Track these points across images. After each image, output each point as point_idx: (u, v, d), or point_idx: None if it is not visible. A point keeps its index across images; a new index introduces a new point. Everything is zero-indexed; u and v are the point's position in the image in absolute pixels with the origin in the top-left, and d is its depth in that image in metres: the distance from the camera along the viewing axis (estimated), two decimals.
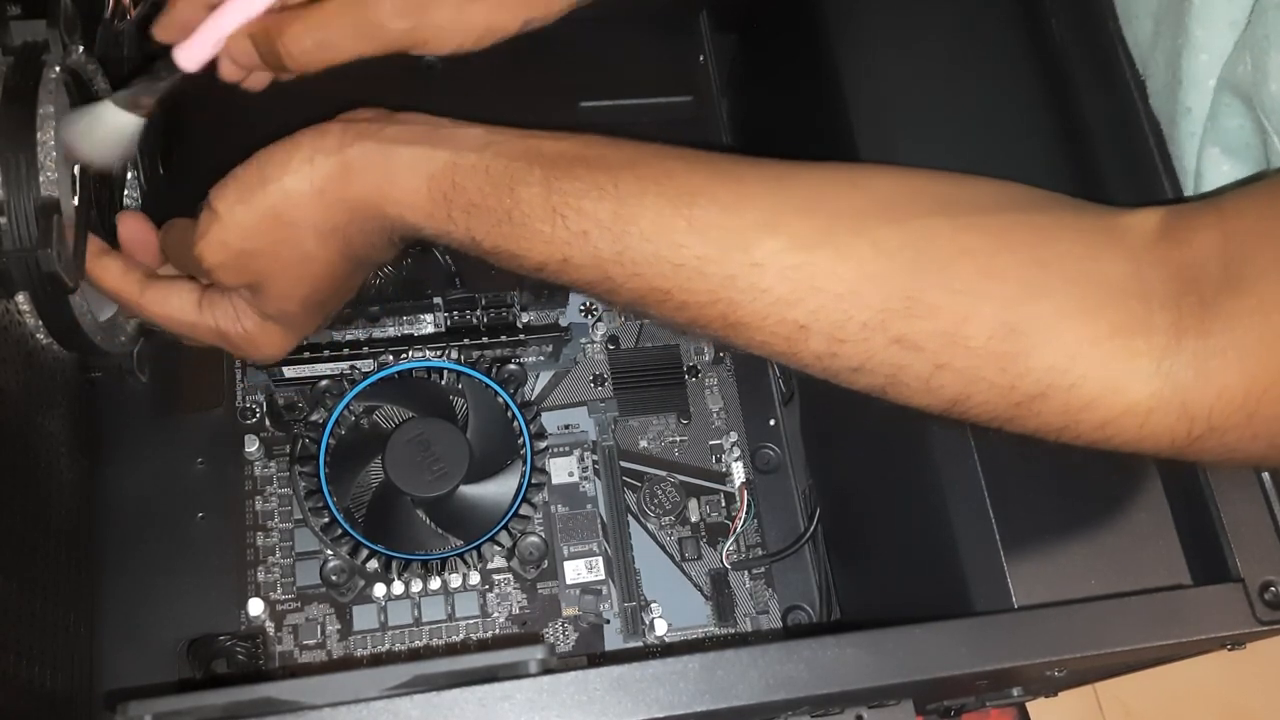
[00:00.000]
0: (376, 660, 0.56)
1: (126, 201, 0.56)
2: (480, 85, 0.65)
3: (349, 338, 0.61)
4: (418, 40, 0.47)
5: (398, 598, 0.57)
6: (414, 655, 0.56)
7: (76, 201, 0.48)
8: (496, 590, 0.58)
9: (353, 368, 0.59)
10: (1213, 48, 0.45)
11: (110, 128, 0.48)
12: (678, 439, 0.62)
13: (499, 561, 0.58)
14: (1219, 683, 1.11)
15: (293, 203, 0.43)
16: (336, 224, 0.43)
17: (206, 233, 0.44)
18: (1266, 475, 0.43)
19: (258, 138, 0.46)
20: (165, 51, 0.48)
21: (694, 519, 0.61)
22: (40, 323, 0.48)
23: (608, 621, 0.58)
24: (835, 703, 0.41)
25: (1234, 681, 1.12)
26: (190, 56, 0.47)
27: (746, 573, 0.60)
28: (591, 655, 0.57)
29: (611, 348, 0.64)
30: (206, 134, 0.60)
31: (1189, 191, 0.47)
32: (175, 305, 0.48)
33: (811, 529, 0.60)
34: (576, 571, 0.58)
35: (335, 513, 0.55)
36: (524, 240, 0.41)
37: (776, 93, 0.63)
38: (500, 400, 0.59)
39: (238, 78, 0.50)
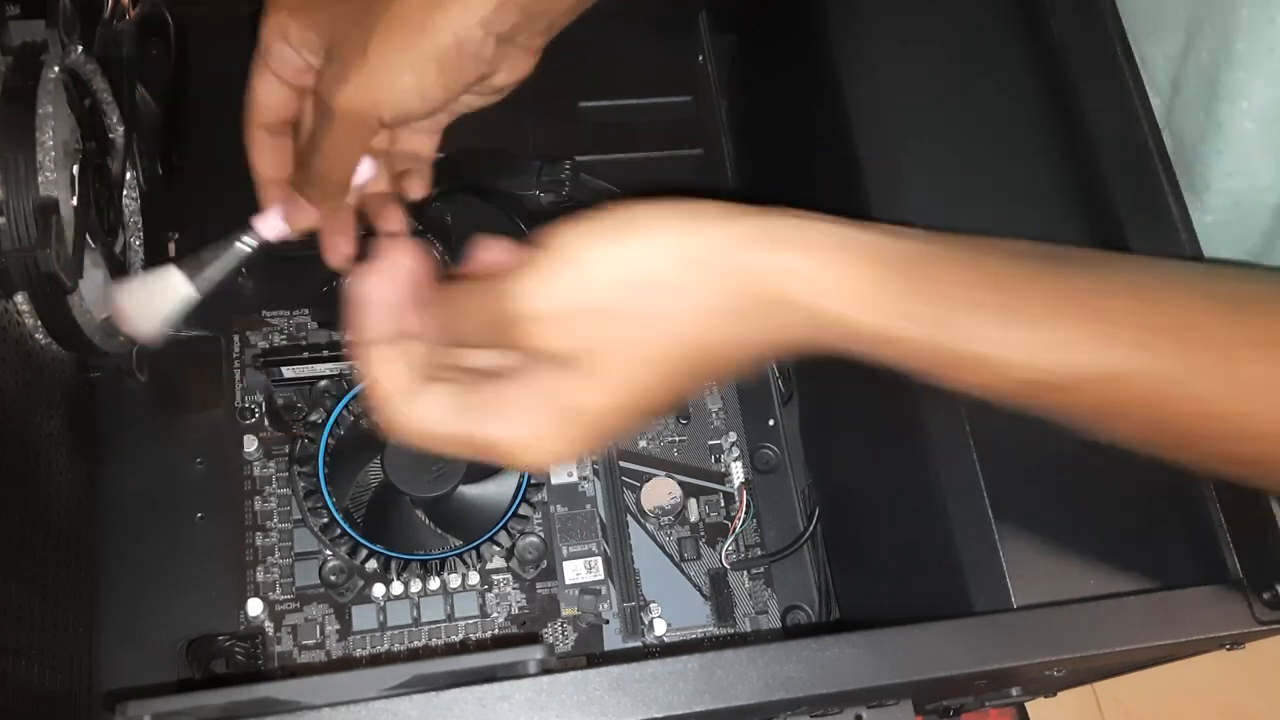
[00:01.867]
0: (375, 660, 0.56)
1: (126, 202, 0.56)
2: None
3: (348, 338, 0.61)
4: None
5: (397, 598, 0.57)
6: (413, 655, 0.56)
7: (75, 201, 0.48)
8: (495, 590, 0.58)
9: (352, 368, 0.59)
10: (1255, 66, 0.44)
11: (172, 297, 0.51)
12: (677, 439, 0.62)
13: (498, 562, 0.58)
14: (1218, 683, 1.12)
15: (674, 265, 0.35)
16: (732, 308, 0.35)
17: (544, 272, 0.35)
18: None
19: None
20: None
21: (693, 519, 0.61)
22: (39, 322, 0.48)
23: (607, 622, 0.58)
24: (834, 703, 0.41)
25: (1233, 681, 1.12)
26: (272, 227, 0.50)
27: (746, 573, 0.60)
28: (591, 655, 0.57)
29: None
30: (206, 135, 0.60)
31: (1215, 213, 0.47)
32: (434, 410, 0.38)
33: (810, 529, 0.60)
34: (575, 572, 0.58)
35: (334, 513, 0.55)
36: (988, 368, 0.35)
37: (776, 93, 0.63)
38: None
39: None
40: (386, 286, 0.39)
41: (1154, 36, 0.51)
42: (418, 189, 0.52)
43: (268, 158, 0.49)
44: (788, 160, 0.61)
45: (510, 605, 0.58)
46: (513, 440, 0.36)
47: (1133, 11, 0.52)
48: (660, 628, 0.58)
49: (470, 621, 0.57)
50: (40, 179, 0.44)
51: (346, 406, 0.57)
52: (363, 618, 0.56)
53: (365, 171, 0.49)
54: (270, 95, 0.48)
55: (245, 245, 0.50)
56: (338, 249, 0.51)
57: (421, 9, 0.43)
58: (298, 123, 0.49)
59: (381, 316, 0.38)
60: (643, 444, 0.62)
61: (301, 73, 0.47)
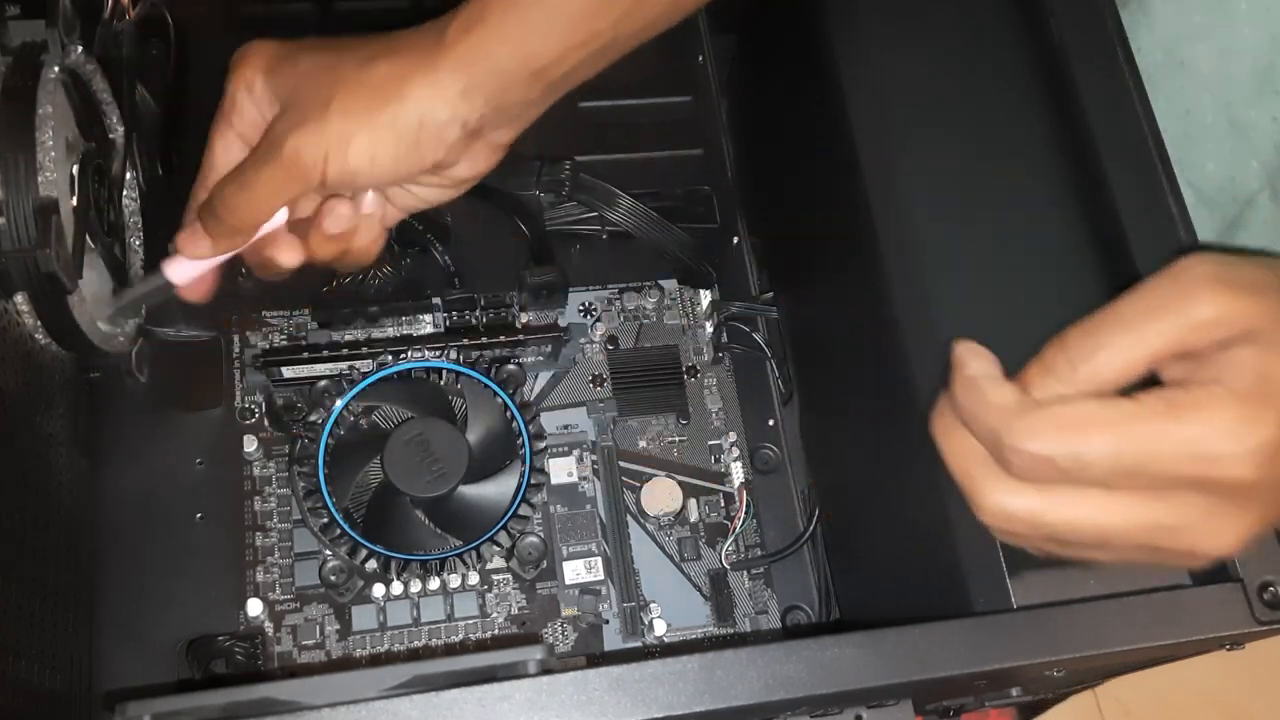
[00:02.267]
0: (375, 661, 0.56)
1: (126, 202, 0.56)
2: None
3: (348, 338, 0.61)
4: None
5: (397, 598, 0.57)
6: (413, 655, 0.56)
7: (75, 202, 0.48)
8: (495, 590, 0.58)
9: (352, 368, 0.59)
10: None
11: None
12: (677, 439, 0.62)
13: (498, 562, 0.58)
14: (1218, 683, 1.12)
15: None
16: None
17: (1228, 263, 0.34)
18: None
19: None
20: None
21: (693, 519, 0.61)
22: (39, 323, 0.48)
23: (607, 622, 0.58)
24: (834, 703, 0.41)
25: (1233, 681, 1.12)
26: (182, 272, 0.48)
27: (746, 573, 0.60)
28: (590, 655, 0.57)
29: (610, 348, 0.64)
30: (206, 135, 0.60)
31: None
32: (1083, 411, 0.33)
33: (811, 529, 0.60)
34: (575, 572, 0.58)
35: (334, 513, 0.55)
36: None
37: (775, 93, 0.63)
38: (499, 400, 0.59)
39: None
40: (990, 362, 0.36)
41: (1260, 101, 0.51)
42: (289, 257, 0.48)
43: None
44: (788, 160, 0.61)
45: (510, 605, 0.58)
46: (1215, 425, 0.32)
47: (1231, 76, 0.51)
48: (660, 628, 0.58)
49: (470, 622, 0.57)
50: (40, 179, 0.44)
51: (346, 406, 0.57)
52: (362, 618, 0.56)
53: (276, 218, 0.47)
54: (229, 153, 0.47)
55: (156, 287, 0.49)
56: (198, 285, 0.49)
57: (390, 79, 0.43)
58: None
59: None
60: (642, 444, 0.62)
61: (260, 131, 0.46)
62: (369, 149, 0.43)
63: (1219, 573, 0.42)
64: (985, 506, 0.35)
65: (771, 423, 0.63)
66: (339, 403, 0.57)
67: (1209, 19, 0.52)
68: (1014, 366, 0.45)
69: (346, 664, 0.56)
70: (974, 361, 0.36)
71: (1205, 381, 0.33)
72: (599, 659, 0.57)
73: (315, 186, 0.44)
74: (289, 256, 0.48)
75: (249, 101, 0.46)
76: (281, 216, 0.47)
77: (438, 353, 0.59)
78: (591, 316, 0.65)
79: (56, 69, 0.47)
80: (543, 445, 0.59)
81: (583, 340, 0.64)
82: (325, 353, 0.59)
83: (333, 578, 0.55)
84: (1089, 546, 0.35)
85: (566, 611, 0.58)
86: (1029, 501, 0.34)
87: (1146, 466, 0.33)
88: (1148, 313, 0.34)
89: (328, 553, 0.56)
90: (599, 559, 0.59)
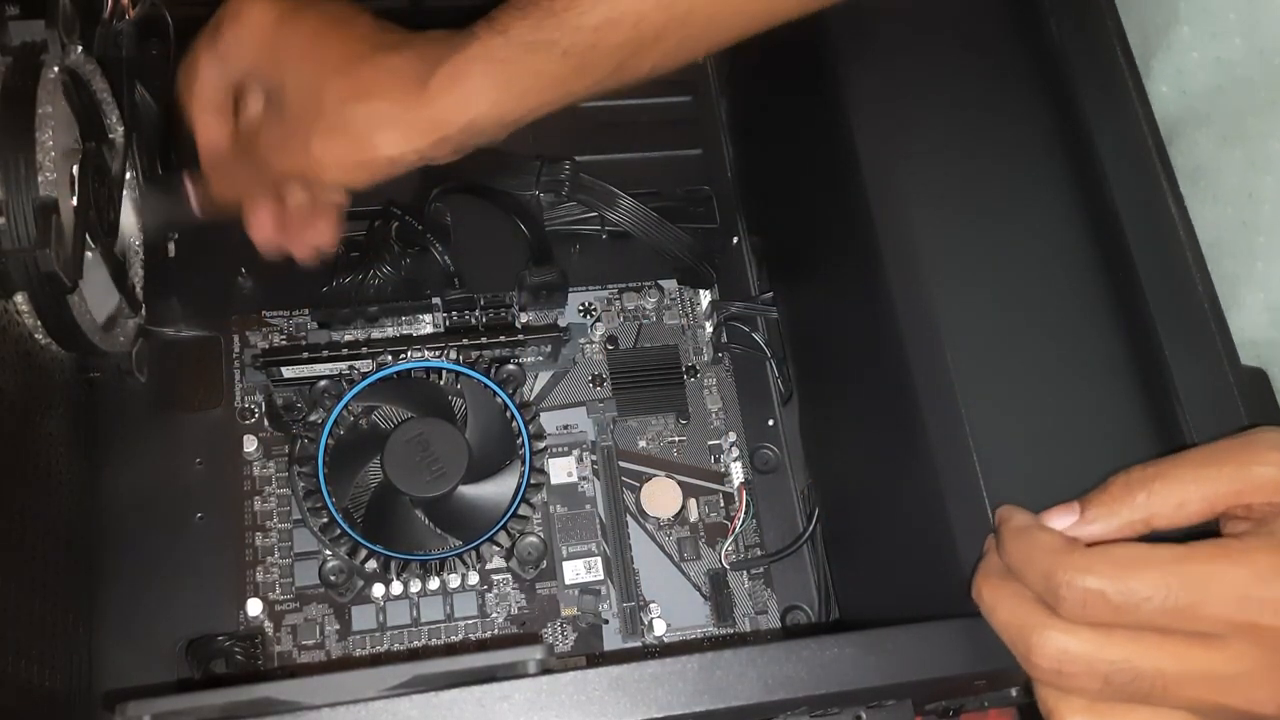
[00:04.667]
0: (375, 660, 0.56)
1: (126, 201, 0.56)
2: None
3: (348, 338, 0.61)
4: None
5: (396, 598, 0.57)
6: (413, 655, 0.56)
7: (75, 201, 0.48)
8: (495, 590, 0.58)
9: (351, 368, 0.59)
10: None
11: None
12: (676, 439, 0.62)
13: (498, 562, 0.58)
14: None
15: None
16: None
17: None
18: None
19: None
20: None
21: (693, 519, 0.61)
22: (39, 323, 0.48)
23: (606, 622, 0.58)
24: (834, 703, 0.41)
25: None
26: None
27: (745, 573, 0.60)
28: (590, 655, 0.57)
29: (610, 348, 0.64)
30: None
31: None
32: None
33: (810, 529, 0.60)
34: (575, 572, 0.58)
35: (334, 513, 0.55)
36: None
37: (775, 93, 0.63)
38: (499, 400, 0.59)
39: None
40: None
41: None
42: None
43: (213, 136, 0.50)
44: (788, 160, 0.61)
45: (510, 605, 0.58)
46: (1263, 567, 0.32)
47: None
48: (660, 628, 0.58)
49: (470, 621, 0.57)
50: (40, 179, 0.44)
51: (346, 406, 0.57)
52: (362, 618, 0.56)
53: None
54: (218, 76, 0.48)
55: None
56: (261, 228, 0.51)
57: (370, 124, 0.45)
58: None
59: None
60: (642, 444, 0.62)
61: (243, 73, 0.48)
62: (340, 180, 0.47)
63: None
64: (1040, 647, 0.34)
65: (771, 422, 0.63)
66: (339, 403, 0.57)
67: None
68: (1014, 365, 0.45)
69: (346, 664, 0.56)
70: (1019, 515, 0.38)
71: (1259, 533, 0.33)
72: (599, 659, 0.57)
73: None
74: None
75: (241, 53, 0.48)
76: None
77: (437, 353, 0.59)
78: (591, 316, 0.65)
79: (56, 69, 0.47)
80: (542, 445, 0.59)
81: (582, 340, 0.64)
82: (325, 353, 0.59)
83: (332, 578, 0.55)
84: (1146, 695, 0.33)
85: (566, 611, 0.58)
86: (1083, 639, 0.33)
87: (1197, 607, 0.32)
88: (1212, 459, 0.35)
89: (327, 553, 0.56)
90: (599, 559, 0.59)
